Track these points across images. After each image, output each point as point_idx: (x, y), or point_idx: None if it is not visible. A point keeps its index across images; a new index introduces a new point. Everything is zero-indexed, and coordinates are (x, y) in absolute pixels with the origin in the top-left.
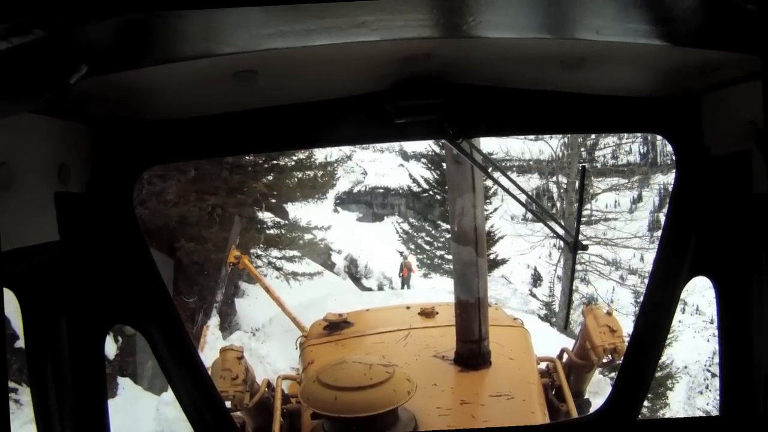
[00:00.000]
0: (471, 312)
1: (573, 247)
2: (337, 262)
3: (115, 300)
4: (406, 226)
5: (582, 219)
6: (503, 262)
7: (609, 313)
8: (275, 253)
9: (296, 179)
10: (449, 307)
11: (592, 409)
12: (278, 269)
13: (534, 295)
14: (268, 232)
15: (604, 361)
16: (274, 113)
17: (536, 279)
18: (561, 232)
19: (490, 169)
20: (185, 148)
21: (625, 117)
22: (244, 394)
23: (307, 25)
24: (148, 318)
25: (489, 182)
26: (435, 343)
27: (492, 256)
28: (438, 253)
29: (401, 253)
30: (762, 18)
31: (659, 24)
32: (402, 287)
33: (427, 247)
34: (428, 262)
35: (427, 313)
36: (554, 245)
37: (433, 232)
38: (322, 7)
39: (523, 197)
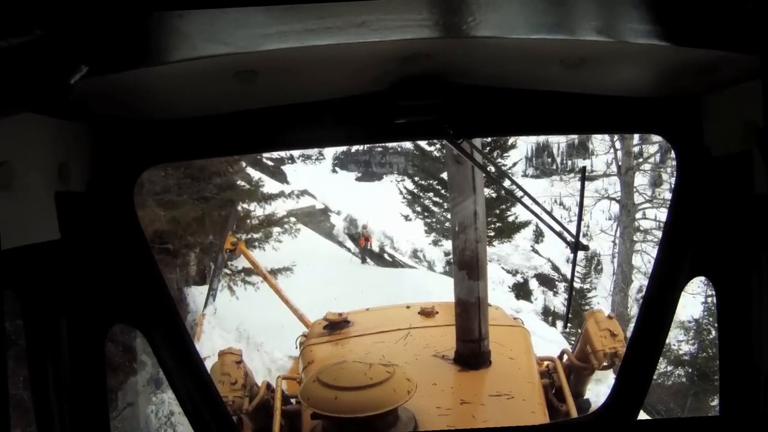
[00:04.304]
0: (471, 311)
1: (574, 247)
2: (336, 223)
3: (115, 300)
4: (409, 185)
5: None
6: (524, 225)
7: (610, 317)
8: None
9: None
10: (449, 306)
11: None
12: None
13: (537, 252)
14: (208, 204)
15: (605, 364)
16: (274, 113)
17: (538, 235)
18: (562, 231)
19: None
20: (185, 148)
21: (625, 117)
22: (243, 399)
23: (307, 25)
24: (148, 318)
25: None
26: (435, 343)
27: (510, 218)
28: (449, 216)
29: (364, 226)
30: (761, 17)
31: (659, 24)
32: (362, 258)
33: (436, 209)
34: (437, 226)
35: (427, 312)
36: (607, 212)
37: (442, 191)
38: (322, 7)
39: (525, 199)
